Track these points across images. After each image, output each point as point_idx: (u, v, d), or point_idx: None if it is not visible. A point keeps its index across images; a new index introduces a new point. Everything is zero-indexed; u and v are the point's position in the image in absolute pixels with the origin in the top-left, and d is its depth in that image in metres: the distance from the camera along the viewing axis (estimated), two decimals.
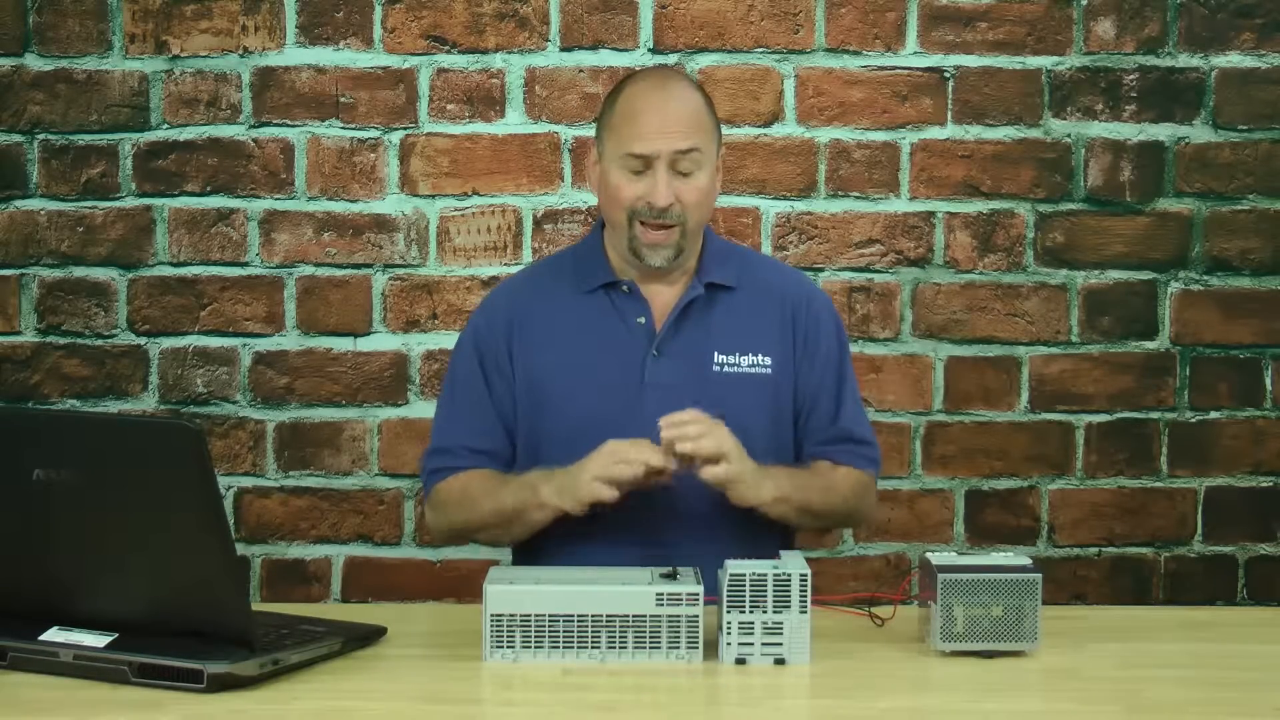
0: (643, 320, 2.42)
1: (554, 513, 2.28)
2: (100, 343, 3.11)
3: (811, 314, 2.49)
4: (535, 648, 1.99)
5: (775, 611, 2.01)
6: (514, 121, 3.09)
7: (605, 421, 2.33)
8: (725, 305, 2.44)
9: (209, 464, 1.88)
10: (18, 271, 3.11)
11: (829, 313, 2.53)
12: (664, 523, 2.34)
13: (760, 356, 2.43)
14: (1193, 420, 3.13)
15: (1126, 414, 3.12)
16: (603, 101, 2.51)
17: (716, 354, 2.41)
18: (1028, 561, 2.09)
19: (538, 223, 3.09)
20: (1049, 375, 3.12)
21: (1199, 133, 3.10)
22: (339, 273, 3.10)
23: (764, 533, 2.38)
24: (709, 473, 2.22)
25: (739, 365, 2.41)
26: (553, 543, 2.36)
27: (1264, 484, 3.14)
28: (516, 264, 3.07)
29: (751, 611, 2.01)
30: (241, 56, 3.08)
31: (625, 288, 2.43)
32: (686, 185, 2.35)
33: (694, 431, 2.20)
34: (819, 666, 2.01)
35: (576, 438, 2.32)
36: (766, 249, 3.09)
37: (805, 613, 2.01)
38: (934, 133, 3.09)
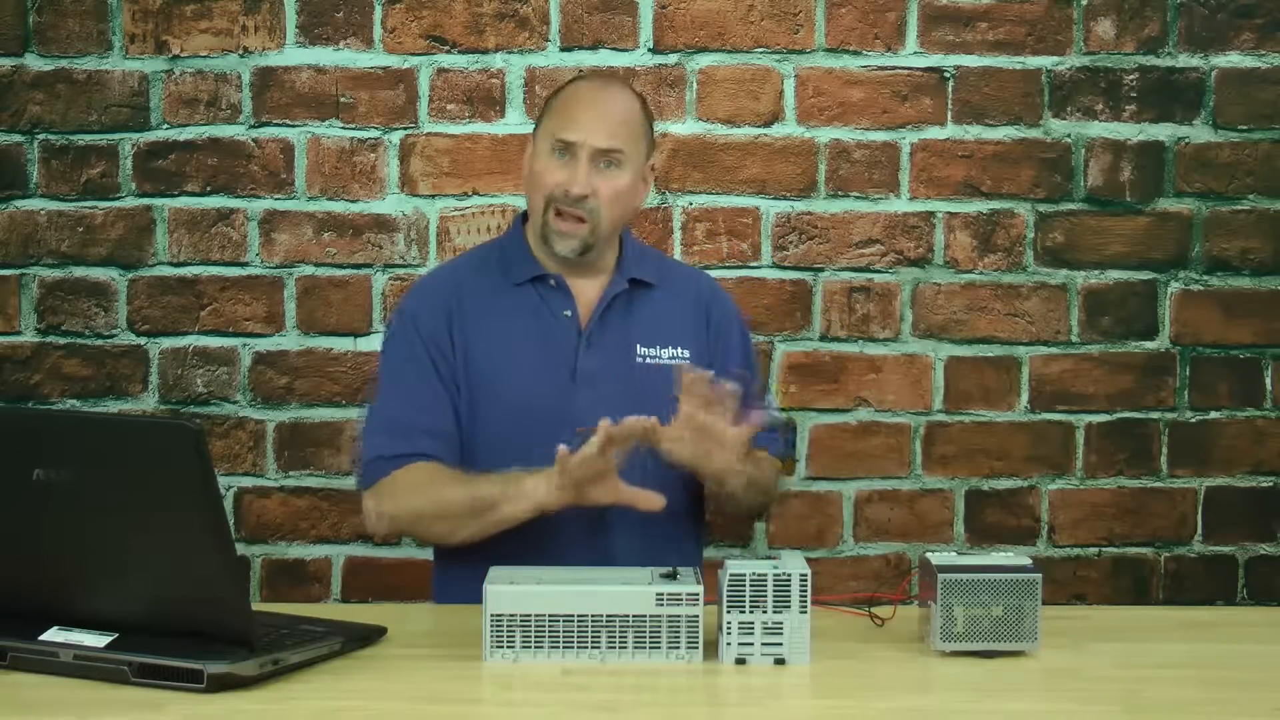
0: (569, 314, 2.48)
1: (535, 507, 2.28)
2: (100, 343, 3.11)
3: (721, 310, 2.60)
4: (535, 648, 1.99)
5: (775, 611, 2.01)
6: (514, 121, 3.09)
7: (540, 411, 2.41)
8: (646, 301, 2.53)
9: (209, 464, 1.88)
10: (18, 271, 3.11)
11: (734, 309, 2.65)
12: (595, 525, 2.37)
13: (679, 349, 2.51)
14: (1193, 420, 3.13)
15: (1126, 414, 3.13)
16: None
17: (639, 346, 2.49)
18: (1028, 561, 2.09)
19: None
20: (1049, 375, 3.12)
21: (1199, 133, 3.10)
22: (339, 273, 3.11)
23: (685, 534, 2.51)
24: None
25: (660, 357, 2.50)
26: (486, 547, 2.34)
27: (1264, 484, 3.14)
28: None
29: (751, 611, 2.01)
30: (241, 56, 3.08)
31: (553, 281, 2.49)
32: (605, 182, 2.42)
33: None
34: (819, 666, 2.01)
35: (511, 427, 2.41)
36: (766, 249, 3.09)
37: (805, 613, 2.01)
38: (934, 133, 3.09)
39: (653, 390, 2.42)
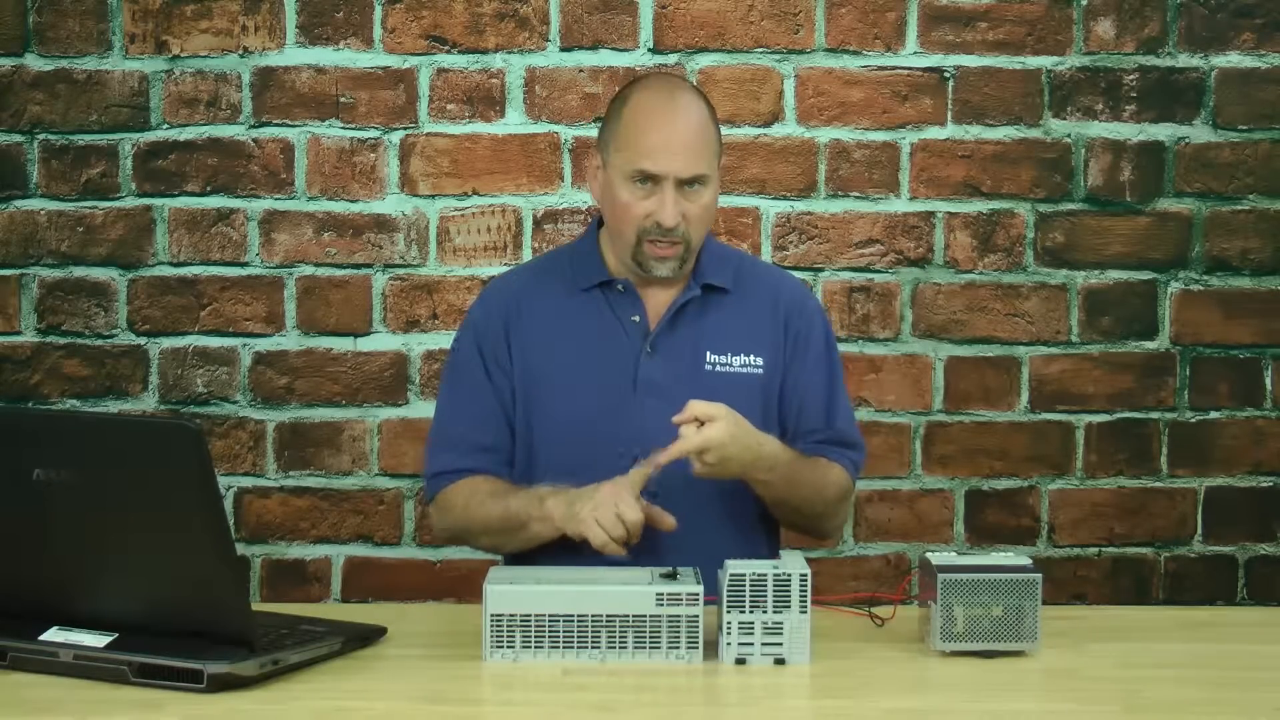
0: (637, 319, 2.42)
1: (555, 530, 2.27)
2: (100, 343, 3.11)
3: (804, 317, 2.50)
4: (535, 648, 1.99)
5: (775, 611, 2.01)
6: (514, 121, 3.09)
7: (599, 418, 2.37)
8: (719, 306, 2.46)
9: (209, 464, 1.88)
10: (18, 271, 3.11)
11: (820, 317, 2.55)
12: (658, 532, 2.34)
13: (752, 357, 2.44)
14: (1193, 420, 3.13)
15: (1126, 414, 3.13)
16: (607, 106, 2.47)
17: (709, 354, 2.43)
18: (1028, 561, 2.08)
19: (538, 223, 3.09)
20: (1049, 375, 3.12)
21: (1199, 133, 3.10)
22: (339, 273, 3.11)
23: (755, 537, 2.44)
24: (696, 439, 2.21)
25: (731, 365, 2.43)
26: (544, 551, 2.35)
27: (1264, 484, 3.14)
28: (517, 264, 3.07)
29: (751, 611, 2.01)
30: (241, 56, 3.08)
31: (620, 287, 2.44)
32: (692, 204, 2.35)
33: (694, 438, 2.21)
34: (819, 666, 2.01)
35: (570, 433, 2.38)
36: (766, 249, 3.09)
37: (805, 613, 2.01)
38: (934, 133, 3.09)
39: (719, 398, 2.32)
